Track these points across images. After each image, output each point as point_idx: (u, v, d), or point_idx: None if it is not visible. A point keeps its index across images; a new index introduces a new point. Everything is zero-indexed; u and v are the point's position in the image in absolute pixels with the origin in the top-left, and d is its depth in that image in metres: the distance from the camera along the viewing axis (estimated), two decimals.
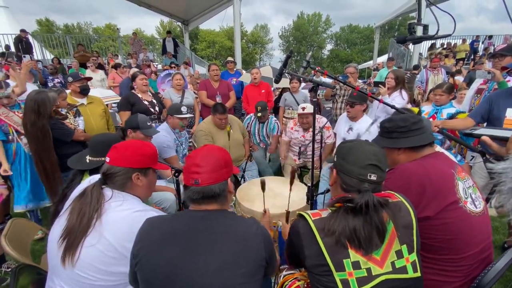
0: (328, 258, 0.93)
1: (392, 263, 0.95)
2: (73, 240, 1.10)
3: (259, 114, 3.53)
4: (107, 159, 1.26)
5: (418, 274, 0.97)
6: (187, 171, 1.05)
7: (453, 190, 1.22)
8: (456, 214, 1.19)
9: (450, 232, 1.18)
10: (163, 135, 2.77)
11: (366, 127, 2.83)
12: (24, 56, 3.60)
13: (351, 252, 0.93)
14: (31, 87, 3.44)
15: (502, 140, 1.53)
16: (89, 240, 1.10)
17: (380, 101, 2.04)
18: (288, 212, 1.85)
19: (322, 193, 2.46)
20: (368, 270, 0.93)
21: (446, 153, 1.76)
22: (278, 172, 3.60)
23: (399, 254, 0.96)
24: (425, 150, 1.34)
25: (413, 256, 0.98)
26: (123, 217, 1.14)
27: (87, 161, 1.62)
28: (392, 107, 1.98)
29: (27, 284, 1.28)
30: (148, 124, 2.36)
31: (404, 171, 1.29)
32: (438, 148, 1.69)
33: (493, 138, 1.57)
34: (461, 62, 9.87)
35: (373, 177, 1.01)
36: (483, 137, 1.54)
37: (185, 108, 2.91)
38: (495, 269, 1.13)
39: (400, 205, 1.03)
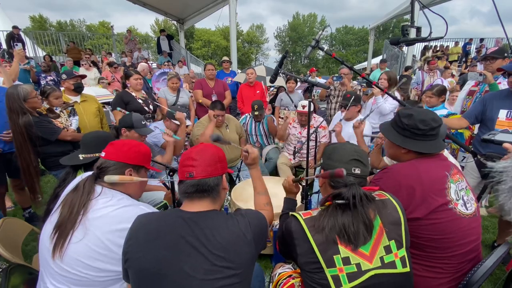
0: (319, 255, 0.95)
1: (381, 258, 0.97)
2: (63, 230, 1.10)
3: (256, 113, 3.53)
4: (103, 154, 1.28)
5: (407, 269, 0.99)
6: (182, 165, 1.05)
7: (444, 192, 1.23)
8: (445, 215, 1.21)
9: (438, 231, 1.20)
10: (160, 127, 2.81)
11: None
12: (16, 45, 3.49)
13: (341, 248, 0.96)
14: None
15: None
16: (76, 235, 1.10)
17: (383, 90, 2.11)
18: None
19: (316, 193, 2.48)
20: (358, 265, 0.95)
21: (449, 156, 1.75)
22: (274, 172, 3.61)
23: (388, 250, 0.98)
24: (428, 153, 1.33)
25: (402, 252, 1.00)
26: (109, 212, 1.14)
27: (81, 158, 1.61)
28: (395, 98, 2.03)
29: (19, 283, 1.26)
30: (143, 123, 2.34)
31: (395, 173, 1.30)
32: (445, 153, 1.67)
33: None
34: (449, 63, 10.00)
35: (357, 171, 1.10)
36: (505, 144, 1.45)
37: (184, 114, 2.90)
38: (484, 267, 1.14)
39: (386, 203, 1.06)
